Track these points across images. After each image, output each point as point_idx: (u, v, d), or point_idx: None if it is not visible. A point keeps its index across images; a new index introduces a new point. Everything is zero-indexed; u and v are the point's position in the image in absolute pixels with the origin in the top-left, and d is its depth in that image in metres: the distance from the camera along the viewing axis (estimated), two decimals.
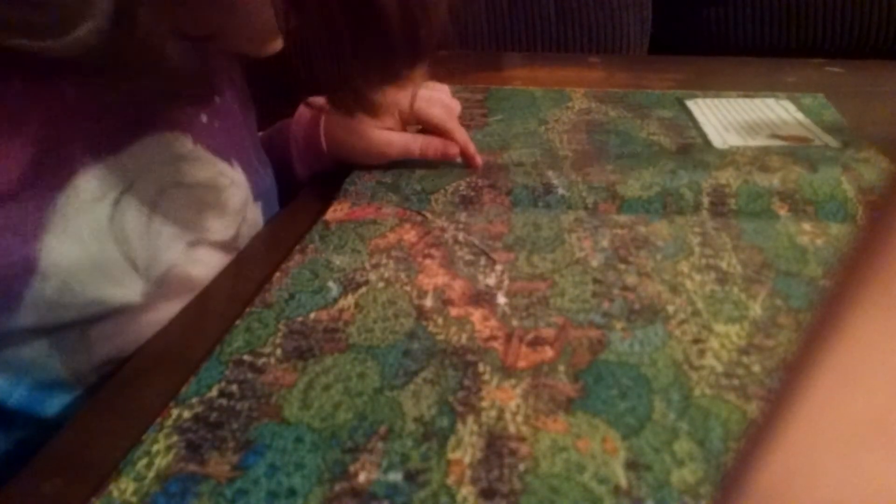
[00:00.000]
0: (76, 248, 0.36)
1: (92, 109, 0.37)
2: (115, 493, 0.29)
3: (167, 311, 0.42)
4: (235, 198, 0.48)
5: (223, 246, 0.47)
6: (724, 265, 0.44)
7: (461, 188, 0.54)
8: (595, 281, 0.42)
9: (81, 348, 0.38)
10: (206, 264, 0.45)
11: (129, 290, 0.39)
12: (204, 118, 0.46)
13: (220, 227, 0.46)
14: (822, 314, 0.15)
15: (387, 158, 0.57)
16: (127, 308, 0.39)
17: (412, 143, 0.57)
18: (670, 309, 0.40)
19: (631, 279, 0.42)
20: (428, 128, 0.58)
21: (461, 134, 0.58)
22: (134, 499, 0.28)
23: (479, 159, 0.57)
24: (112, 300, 0.38)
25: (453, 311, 0.40)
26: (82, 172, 0.37)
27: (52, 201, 0.35)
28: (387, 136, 0.57)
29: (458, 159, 0.58)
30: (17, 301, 0.35)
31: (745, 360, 0.35)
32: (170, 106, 0.42)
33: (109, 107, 0.37)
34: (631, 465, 0.29)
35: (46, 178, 0.35)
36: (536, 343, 0.37)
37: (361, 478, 0.29)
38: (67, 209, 0.36)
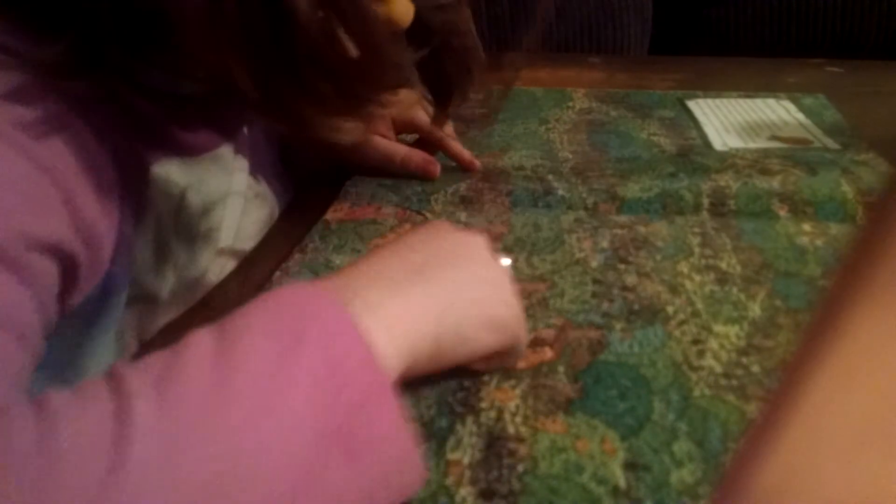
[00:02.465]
0: (148, 236, 0.38)
1: (159, 118, 0.38)
2: None
3: (175, 314, 0.42)
4: (261, 211, 0.50)
5: (241, 255, 0.47)
6: (723, 265, 0.44)
7: (461, 189, 0.54)
8: (595, 281, 0.42)
9: (122, 350, 0.39)
10: (224, 271, 0.45)
11: (158, 285, 0.40)
12: (246, 130, 0.47)
13: (246, 237, 0.47)
14: (821, 314, 0.15)
15: (368, 162, 0.57)
16: (151, 300, 0.40)
17: (395, 151, 0.56)
18: (670, 309, 0.40)
19: (630, 279, 0.42)
20: (422, 135, 0.58)
21: (455, 144, 0.57)
22: None
23: (477, 163, 0.57)
24: (143, 287, 0.39)
25: None
26: (157, 167, 0.38)
27: (138, 191, 0.37)
28: (373, 141, 0.56)
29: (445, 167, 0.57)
30: (127, 275, 0.36)
31: (744, 360, 0.35)
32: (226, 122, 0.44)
33: (175, 115, 0.39)
34: (630, 466, 0.29)
35: (131, 171, 0.36)
36: (536, 344, 0.37)
37: None
38: (149, 200, 0.38)
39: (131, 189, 0.36)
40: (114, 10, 0.31)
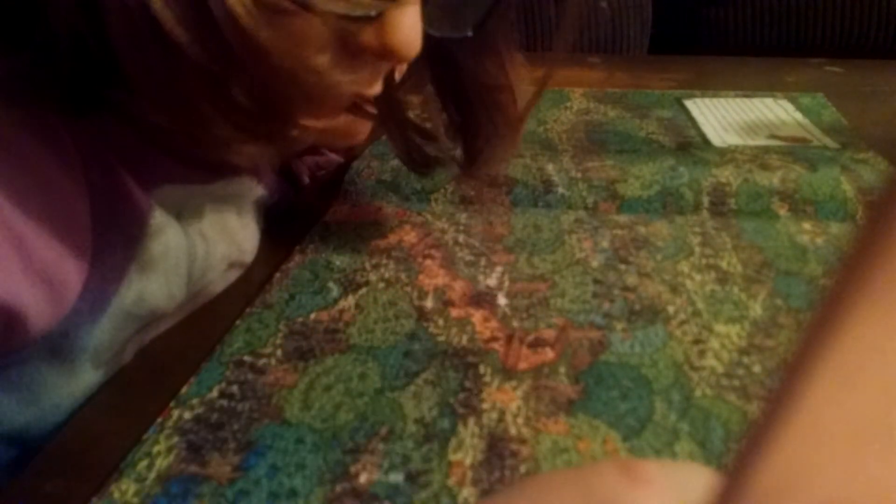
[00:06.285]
0: (158, 257, 0.37)
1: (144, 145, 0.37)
2: (117, 495, 0.29)
3: (178, 319, 0.42)
4: (260, 221, 0.50)
5: (246, 266, 0.47)
6: (724, 265, 0.44)
7: (461, 188, 0.54)
8: (595, 281, 0.42)
9: (117, 367, 0.38)
10: (228, 282, 0.45)
11: (171, 303, 0.39)
12: None
13: (250, 249, 0.47)
14: (822, 314, 0.15)
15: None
16: (158, 317, 0.39)
17: None
18: (671, 309, 0.40)
19: (631, 279, 0.43)
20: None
21: None
22: (135, 500, 0.28)
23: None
24: (157, 310, 0.38)
25: (454, 312, 0.40)
26: (169, 187, 0.38)
27: (148, 211, 0.36)
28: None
29: None
30: (103, 308, 0.35)
31: (745, 360, 0.35)
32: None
33: None
34: None
35: (114, 202, 0.35)
36: (537, 344, 0.37)
37: (362, 478, 0.29)
38: (159, 221, 0.37)
39: (114, 221, 0.35)
40: (73, 25, 0.28)
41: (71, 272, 0.32)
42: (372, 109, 0.37)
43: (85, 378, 0.35)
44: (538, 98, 0.43)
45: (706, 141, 0.62)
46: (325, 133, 0.36)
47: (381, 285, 0.43)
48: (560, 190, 0.53)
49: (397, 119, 0.41)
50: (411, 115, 0.43)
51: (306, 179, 0.59)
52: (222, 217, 0.43)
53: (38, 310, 0.31)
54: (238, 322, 0.39)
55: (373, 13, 0.30)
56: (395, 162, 0.56)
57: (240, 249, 0.45)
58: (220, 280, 0.44)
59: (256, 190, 0.47)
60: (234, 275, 0.45)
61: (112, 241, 0.35)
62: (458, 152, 0.46)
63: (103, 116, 0.34)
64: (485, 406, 0.33)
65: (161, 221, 0.37)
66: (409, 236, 0.48)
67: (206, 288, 0.43)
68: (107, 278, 0.35)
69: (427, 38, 0.33)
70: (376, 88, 0.35)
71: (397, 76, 0.39)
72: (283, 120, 0.33)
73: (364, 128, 0.40)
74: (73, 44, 0.29)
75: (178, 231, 0.38)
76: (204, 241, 0.41)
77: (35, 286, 0.30)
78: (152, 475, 0.30)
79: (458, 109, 0.44)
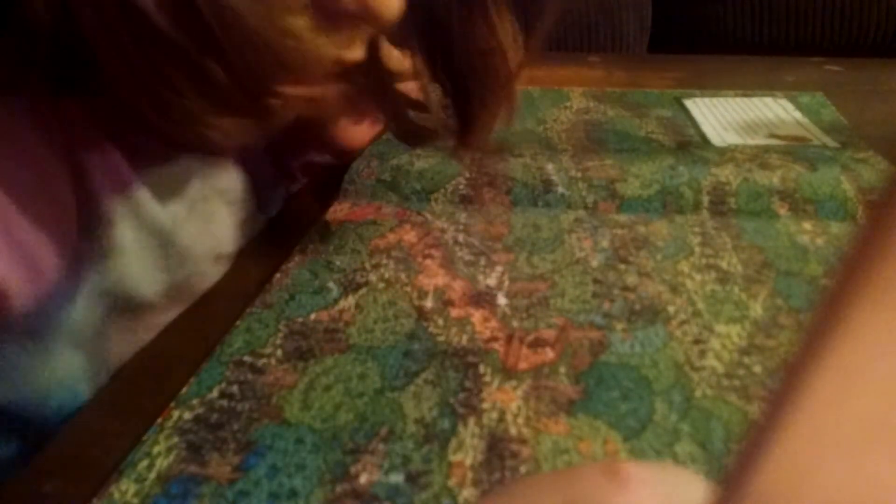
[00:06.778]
0: (136, 239, 0.37)
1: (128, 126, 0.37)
2: (117, 495, 0.29)
3: (171, 316, 0.42)
4: (244, 213, 0.49)
5: (232, 258, 0.47)
6: (724, 265, 0.44)
7: (461, 186, 0.54)
8: (595, 281, 0.42)
9: (103, 353, 0.38)
10: (218, 275, 0.45)
11: (147, 290, 0.39)
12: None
13: (234, 240, 0.47)
14: (822, 314, 0.15)
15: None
16: (138, 306, 0.39)
17: None
18: (671, 309, 0.40)
19: (631, 279, 0.42)
20: None
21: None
22: (135, 501, 0.28)
23: None
24: (136, 296, 0.38)
25: (454, 312, 0.40)
26: (154, 170, 0.37)
27: (127, 189, 0.36)
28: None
29: None
30: (78, 286, 0.35)
31: (746, 360, 0.35)
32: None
33: None
34: None
35: (117, 170, 0.35)
36: (537, 344, 0.37)
37: (363, 479, 0.29)
38: (138, 203, 0.37)
39: (95, 200, 0.35)
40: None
41: (51, 252, 0.32)
42: (359, 79, 0.36)
43: (63, 359, 0.35)
44: (529, 61, 0.42)
45: (706, 140, 0.62)
46: (310, 105, 0.35)
47: (381, 285, 0.43)
48: (560, 189, 0.53)
49: (386, 89, 0.41)
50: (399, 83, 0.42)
51: (304, 179, 0.59)
52: (206, 205, 0.43)
53: (19, 290, 0.31)
54: (238, 322, 0.39)
55: None
56: (395, 162, 0.56)
57: (224, 241, 0.45)
58: (208, 273, 0.44)
59: (244, 180, 0.47)
60: (222, 267, 0.45)
61: (91, 221, 0.35)
62: (452, 121, 0.45)
63: (86, 96, 0.33)
64: (485, 406, 0.33)
65: (139, 202, 0.37)
66: (409, 236, 0.48)
67: (192, 279, 0.42)
68: (82, 257, 0.35)
69: (413, 1, 0.32)
70: (358, 54, 0.34)
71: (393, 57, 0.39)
72: (262, 89, 0.32)
73: (371, 131, 0.40)
74: (50, 21, 0.29)
75: (155, 213, 0.38)
76: (186, 227, 0.40)
77: (19, 267, 0.30)
78: (152, 475, 0.30)
79: (448, 76, 0.43)
